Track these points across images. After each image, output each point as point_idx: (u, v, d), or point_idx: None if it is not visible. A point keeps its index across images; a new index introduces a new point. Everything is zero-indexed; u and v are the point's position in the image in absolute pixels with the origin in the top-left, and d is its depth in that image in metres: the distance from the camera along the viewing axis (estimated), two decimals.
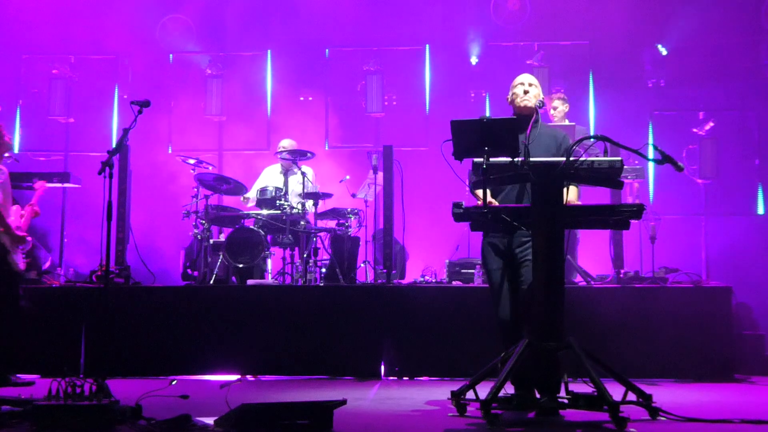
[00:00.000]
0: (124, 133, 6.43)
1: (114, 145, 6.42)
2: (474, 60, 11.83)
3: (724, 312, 7.87)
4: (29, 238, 7.92)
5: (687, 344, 7.73)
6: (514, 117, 5.89)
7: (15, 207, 7.84)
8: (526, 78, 6.08)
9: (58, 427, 4.88)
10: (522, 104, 5.96)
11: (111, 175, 6.19)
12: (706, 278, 9.23)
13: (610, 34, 11.34)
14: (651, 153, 5.36)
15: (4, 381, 7.25)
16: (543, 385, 5.52)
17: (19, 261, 7.61)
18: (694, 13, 11.00)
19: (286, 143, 9.97)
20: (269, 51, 12.08)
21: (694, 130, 10.74)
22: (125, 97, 11.81)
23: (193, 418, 5.07)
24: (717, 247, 10.61)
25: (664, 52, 11.24)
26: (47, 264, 10.02)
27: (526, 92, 5.96)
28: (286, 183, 9.73)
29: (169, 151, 11.85)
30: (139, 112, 6.48)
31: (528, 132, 5.67)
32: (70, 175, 9.51)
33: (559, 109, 9.10)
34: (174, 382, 6.07)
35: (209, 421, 5.06)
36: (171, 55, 12.14)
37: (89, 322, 8.04)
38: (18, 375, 7.51)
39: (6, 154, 7.77)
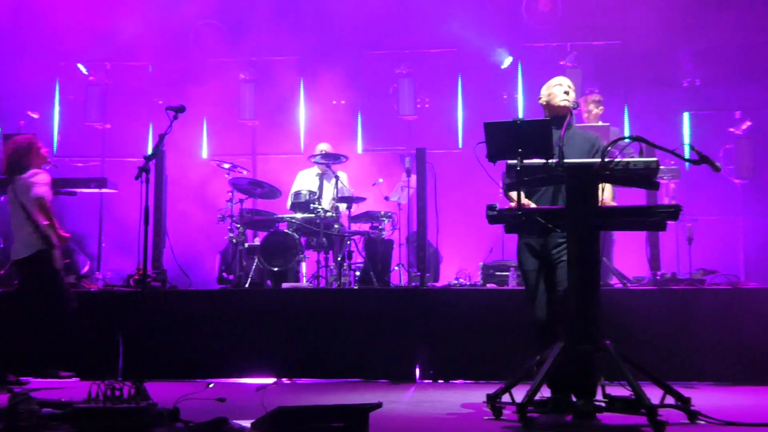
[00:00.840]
0: (160, 138, 6.50)
1: (150, 151, 6.49)
2: (506, 62, 11.79)
3: (764, 314, 7.74)
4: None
5: (725, 347, 7.63)
6: (548, 118, 5.85)
7: None
8: (565, 80, 6.04)
9: (98, 429, 4.92)
10: (561, 104, 5.90)
11: (147, 181, 6.26)
12: (745, 280, 9.12)
13: (644, 33, 11.22)
14: (687, 153, 5.31)
15: (49, 374, 7.50)
16: (579, 388, 5.49)
17: (59, 258, 7.79)
18: (729, 11, 10.88)
19: (323, 147, 10.01)
20: (301, 55, 12.13)
21: (731, 129, 10.63)
22: (160, 102, 11.92)
23: (230, 421, 5.09)
24: (755, 248, 10.50)
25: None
26: (86, 268, 10.13)
27: (566, 92, 5.93)
28: (320, 187, 9.77)
29: (204, 156, 11.95)
30: (175, 117, 6.54)
31: (562, 133, 5.63)
32: (107, 180, 9.62)
33: (593, 112, 9.03)
34: (211, 385, 6.12)
35: (246, 424, 5.08)
36: (205, 61, 12.23)
37: (127, 326, 8.10)
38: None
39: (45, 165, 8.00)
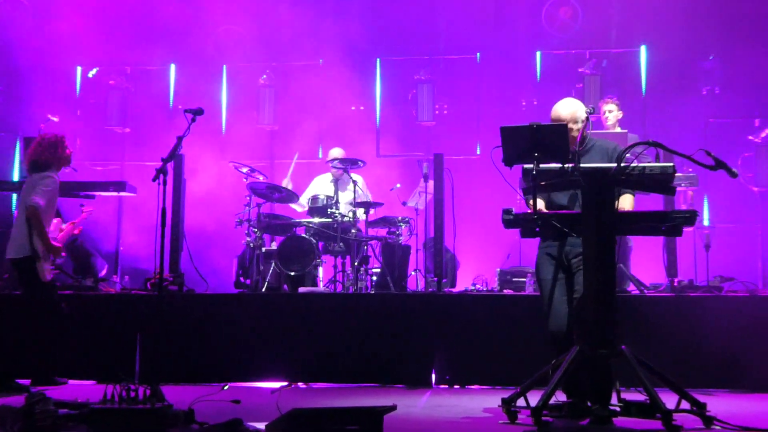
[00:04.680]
0: (178, 140, 6.53)
1: (168, 154, 6.52)
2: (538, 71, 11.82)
3: None
4: (63, 253, 7.93)
5: (743, 354, 7.55)
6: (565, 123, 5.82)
7: (56, 219, 7.88)
8: (564, 114, 5.81)
9: (113, 430, 4.95)
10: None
11: (165, 183, 6.29)
12: (763, 287, 9.09)
13: (663, 41, 11.26)
14: (704, 159, 5.29)
15: (49, 381, 7.40)
16: (595, 392, 5.47)
17: (48, 271, 7.54)
18: (749, 20, 10.85)
19: (336, 152, 10.02)
20: (321, 61, 12.18)
21: (750, 137, 10.62)
22: (180, 107, 11.99)
23: (244, 423, 5.11)
24: None
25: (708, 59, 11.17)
26: (103, 272, 10.18)
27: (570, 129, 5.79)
28: (336, 192, 9.78)
29: (223, 160, 11.99)
30: (193, 120, 6.57)
31: (578, 139, 5.62)
32: (125, 184, 9.65)
33: (614, 113, 8.96)
34: (226, 387, 6.14)
35: (260, 425, 5.10)
36: (225, 66, 12.30)
37: (144, 329, 8.13)
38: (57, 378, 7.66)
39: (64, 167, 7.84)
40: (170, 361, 7.93)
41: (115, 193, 9.73)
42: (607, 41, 11.54)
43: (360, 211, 9.40)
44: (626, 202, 5.70)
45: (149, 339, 8.01)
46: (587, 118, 5.89)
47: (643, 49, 11.51)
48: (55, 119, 10.53)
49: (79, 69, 12.33)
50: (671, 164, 5.29)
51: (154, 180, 6.34)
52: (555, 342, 5.77)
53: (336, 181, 9.97)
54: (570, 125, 5.74)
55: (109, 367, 7.76)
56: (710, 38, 11.21)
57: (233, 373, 8.10)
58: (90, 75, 12.05)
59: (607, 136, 7.78)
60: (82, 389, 7.52)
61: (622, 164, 5.19)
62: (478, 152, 11.76)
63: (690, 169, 8.53)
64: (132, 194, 9.78)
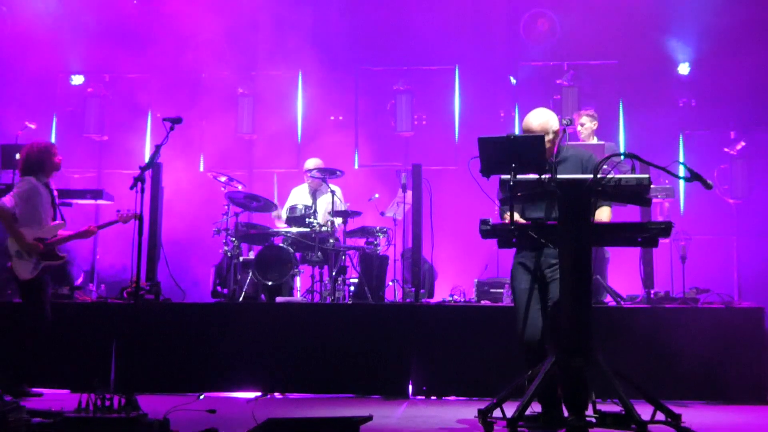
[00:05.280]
0: (156, 149, 6.50)
1: (146, 162, 6.50)
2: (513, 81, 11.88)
3: (757, 333, 7.75)
4: (62, 254, 7.93)
5: (718, 366, 7.62)
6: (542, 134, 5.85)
7: (56, 222, 7.84)
8: (535, 125, 5.84)
9: None
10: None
11: (142, 191, 6.26)
12: (738, 299, 9.15)
13: (640, 53, 11.35)
14: (681, 171, 5.34)
15: (21, 393, 7.33)
16: (570, 403, 5.49)
17: (27, 270, 7.60)
18: (725, 32, 10.95)
19: (313, 163, 10.00)
20: (300, 71, 12.18)
21: (726, 149, 10.71)
22: (158, 115, 11.95)
23: None
24: (749, 268, 10.53)
25: (685, 71, 11.26)
26: (79, 280, 10.11)
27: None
28: (314, 202, 9.78)
29: (201, 169, 11.96)
30: (171, 128, 6.55)
31: (554, 151, 5.66)
32: (103, 192, 9.62)
33: (586, 125, 9.04)
34: (201, 397, 6.11)
35: None
36: (204, 74, 12.26)
37: (120, 338, 8.08)
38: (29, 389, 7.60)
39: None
40: (146, 370, 7.86)
41: (92, 201, 9.69)
42: (585, 53, 11.61)
43: (338, 221, 9.39)
44: (603, 215, 5.73)
45: (125, 348, 7.96)
46: (564, 130, 5.95)
47: (618, 61, 11.59)
48: (33, 126, 10.45)
49: (58, 76, 12.25)
50: (647, 176, 5.33)
51: (131, 188, 6.31)
52: (528, 352, 5.77)
53: (314, 192, 9.96)
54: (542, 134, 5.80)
55: (84, 376, 7.68)
56: (686, 50, 11.30)
57: (209, 382, 8.07)
58: (75, 83, 12.01)
59: (584, 147, 7.81)
60: (56, 398, 7.49)
61: (599, 175, 5.21)
62: (457, 163, 11.80)
63: (666, 181, 8.58)
64: (109, 202, 9.73)
